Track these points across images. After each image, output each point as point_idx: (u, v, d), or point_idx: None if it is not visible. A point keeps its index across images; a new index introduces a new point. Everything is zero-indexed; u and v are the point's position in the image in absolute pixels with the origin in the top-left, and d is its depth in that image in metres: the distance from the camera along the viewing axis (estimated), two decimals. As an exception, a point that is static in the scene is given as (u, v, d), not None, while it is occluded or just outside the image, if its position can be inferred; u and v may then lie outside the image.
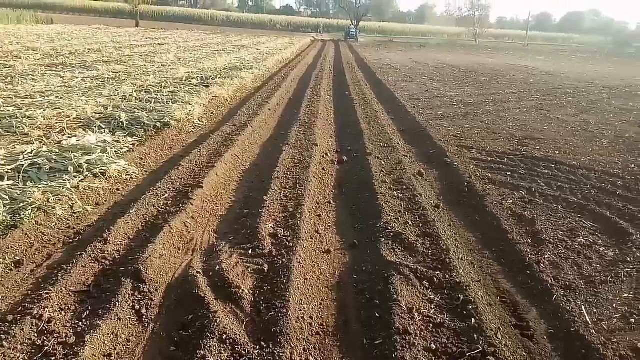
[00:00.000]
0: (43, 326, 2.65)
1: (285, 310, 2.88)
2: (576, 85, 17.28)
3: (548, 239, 4.21)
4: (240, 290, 3.11)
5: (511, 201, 5.13)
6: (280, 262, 3.52)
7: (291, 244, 3.79)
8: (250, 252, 3.70)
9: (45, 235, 3.79)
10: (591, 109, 12.07)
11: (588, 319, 3.04)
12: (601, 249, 4.09)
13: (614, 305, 3.24)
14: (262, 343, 2.66)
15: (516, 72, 21.90)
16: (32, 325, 2.64)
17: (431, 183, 5.79)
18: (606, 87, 17.25)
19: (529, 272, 3.63)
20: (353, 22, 66.25)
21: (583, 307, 3.18)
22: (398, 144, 7.46)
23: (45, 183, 4.52)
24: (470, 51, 43.70)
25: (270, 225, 4.18)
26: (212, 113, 8.98)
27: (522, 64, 28.34)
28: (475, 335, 2.78)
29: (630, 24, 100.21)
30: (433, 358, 2.63)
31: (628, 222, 4.66)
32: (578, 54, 48.79)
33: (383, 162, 6.33)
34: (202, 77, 12.19)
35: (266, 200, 4.66)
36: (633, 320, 3.08)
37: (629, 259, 3.89)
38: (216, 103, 9.73)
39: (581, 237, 4.30)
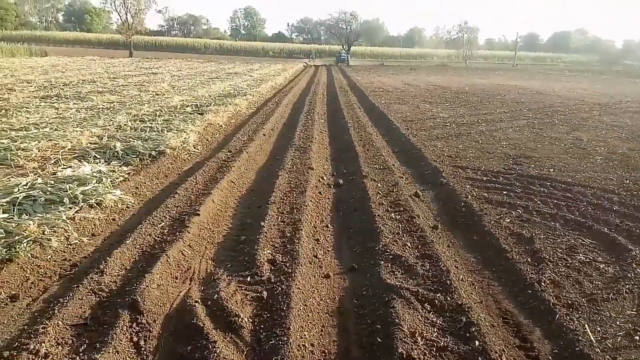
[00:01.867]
0: (39, 362, 2.59)
1: (285, 338, 2.84)
2: (567, 103, 17.49)
3: (547, 257, 4.19)
4: (240, 319, 3.07)
5: (509, 220, 5.13)
6: (280, 288, 3.48)
7: (290, 270, 3.75)
8: (248, 279, 3.66)
9: (41, 268, 3.74)
10: (583, 126, 12.19)
11: (592, 338, 3.01)
12: (601, 266, 4.08)
13: (618, 323, 3.21)
14: (264, 373, 2.61)
15: (507, 92, 22.18)
16: (28, 361, 2.58)
17: (428, 204, 5.79)
18: (596, 105, 17.46)
19: (530, 291, 3.61)
20: (344, 47, 67.30)
21: (586, 325, 3.15)
22: (393, 165, 7.49)
23: (40, 215, 4.48)
24: (461, 73, 44.30)
25: (268, 251, 4.15)
26: (207, 140, 9.01)
27: (512, 83, 28.73)
28: (479, 358, 2.74)
29: (617, 42, 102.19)
30: (438, 383, 2.59)
31: (626, 238, 4.66)
32: (567, 72, 49.64)
33: (379, 184, 6.34)
34: (197, 104, 12.27)
35: (263, 226, 4.64)
36: (637, 338, 3.05)
37: (629, 275, 3.87)
38: (211, 130, 9.77)
39: (580, 255, 4.29)
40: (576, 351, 2.87)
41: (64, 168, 5.93)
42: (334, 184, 6.52)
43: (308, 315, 3.22)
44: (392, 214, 5.19)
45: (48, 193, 4.99)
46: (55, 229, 4.26)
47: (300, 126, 10.65)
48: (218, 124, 10.37)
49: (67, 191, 5.02)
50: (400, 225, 4.87)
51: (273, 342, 2.84)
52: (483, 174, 7.04)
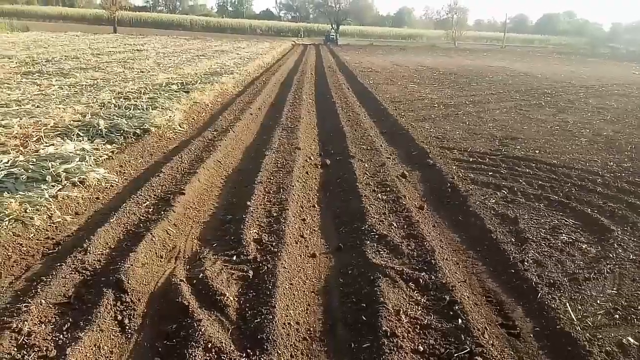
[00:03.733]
0: (23, 340, 2.57)
1: (271, 317, 2.85)
2: (554, 86, 17.57)
3: (531, 237, 4.24)
4: (225, 298, 3.07)
5: (494, 201, 5.16)
6: (265, 267, 3.48)
7: (276, 249, 3.75)
8: (234, 258, 3.65)
9: (23, 246, 3.69)
10: (569, 108, 12.27)
11: (573, 316, 3.06)
12: (583, 246, 4.14)
13: (598, 302, 3.27)
14: (249, 350, 2.62)
15: (495, 73, 22.20)
16: (11, 339, 2.56)
17: (414, 184, 5.80)
18: (583, 87, 17.57)
19: (513, 270, 3.66)
20: (333, 26, 66.58)
21: (568, 304, 3.20)
22: (381, 146, 7.48)
23: (22, 193, 4.41)
24: (449, 53, 44.18)
25: (255, 230, 4.14)
26: (193, 119, 8.90)
27: (500, 65, 28.75)
28: (462, 336, 2.77)
29: (605, 25, 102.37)
30: (421, 360, 2.63)
31: (609, 219, 4.73)
32: (554, 55, 49.73)
33: (366, 165, 6.33)
34: (182, 82, 12.08)
35: (250, 206, 4.62)
36: (617, 316, 3.11)
37: (610, 255, 3.94)
38: (197, 108, 9.64)
39: (563, 235, 4.34)
40: (557, 329, 2.93)
41: (46, 146, 5.82)
42: (321, 164, 6.50)
43: (294, 294, 3.23)
44: (379, 195, 5.20)
45: (30, 171, 4.91)
46: (37, 207, 4.20)
47: (288, 105, 10.56)
48: (204, 102, 10.24)
49: (49, 169, 4.94)
50: (387, 206, 4.88)
51: (258, 320, 2.85)
52: (469, 155, 7.07)
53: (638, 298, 3.34)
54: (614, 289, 3.46)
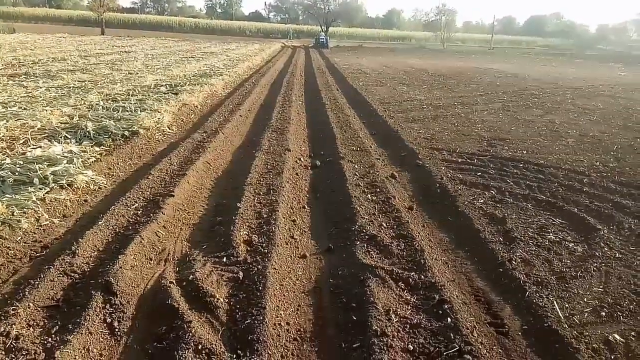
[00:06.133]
0: (10, 343, 2.55)
1: (261, 318, 2.85)
2: (541, 87, 17.74)
3: (519, 236, 4.28)
4: (215, 299, 3.06)
5: (482, 201, 5.21)
6: (256, 269, 3.48)
7: (266, 250, 3.75)
8: (224, 260, 3.65)
9: (10, 249, 3.66)
10: (556, 109, 12.40)
11: (560, 314, 3.10)
12: (570, 245, 4.19)
13: (585, 300, 3.31)
14: (239, 351, 2.62)
15: (483, 74, 22.37)
16: (-2, 343, 2.53)
17: (404, 185, 5.84)
18: (570, 88, 17.76)
19: (501, 269, 3.69)
20: (322, 27, 66.68)
21: (555, 302, 3.24)
22: (370, 147, 7.51)
23: (9, 196, 4.37)
24: (438, 55, 44.45)
25: (245, 232, 4.14)
26: (182, 120, 8.87)
27: (489, 67, 28.98)
28: (451, 334, 2.80)
29: (591, 27, 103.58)
30: (411, 358, 2.64)
31: (595, 218, 4.79)
32: (542, 56, 50.22)
33: (356, 166, 6.36)
34: (171, 84, 12.03)
35: (239, 207, 4.61)
36: (603, 314, 3.15)
37: (597, 254, 3.99)
38: (186, 110, 9.61)
39: (551, 234, 4.39)
40: (545, 327, 2.96)
41: (33, 148, 5.77)
42: (311, 165, 6.51)
43: (284, 295, 3.24)
44: (369, 195, 5.22)
45: (17, 173, 4.86)
46: (24, 210, 4.16)
47: (278, 107, 10.56)
48: (193, 104, 10.20)
49: (36, 171, 4.89)
50: (377, 206, 4.90)
51: (249, 321, 2.85)
52: (458, 155, 7.12)
53: (624, 296, 3.39)
54: (601, 287, 3.50)
